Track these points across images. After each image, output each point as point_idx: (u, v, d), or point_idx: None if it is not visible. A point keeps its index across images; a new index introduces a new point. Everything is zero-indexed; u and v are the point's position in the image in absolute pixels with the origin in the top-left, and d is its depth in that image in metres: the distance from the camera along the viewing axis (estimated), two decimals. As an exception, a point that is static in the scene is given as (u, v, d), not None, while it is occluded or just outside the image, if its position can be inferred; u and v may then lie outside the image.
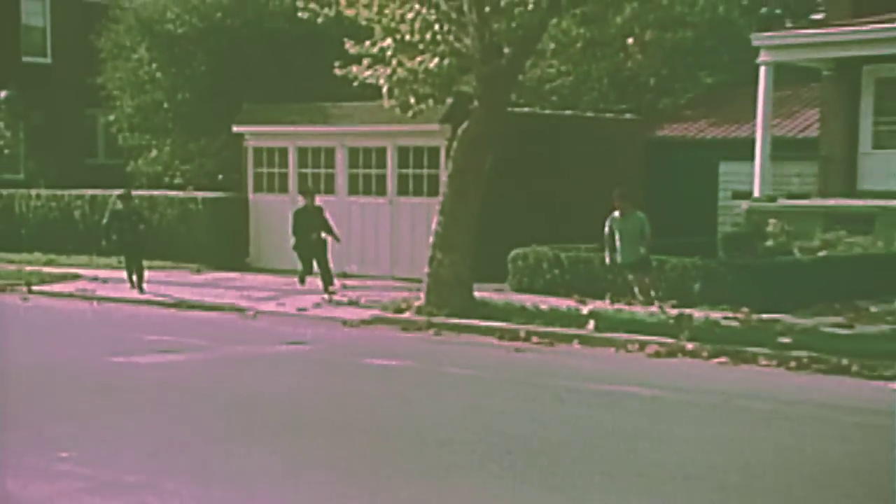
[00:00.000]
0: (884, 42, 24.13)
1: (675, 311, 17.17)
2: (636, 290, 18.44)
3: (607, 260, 18.52)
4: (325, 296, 20.39)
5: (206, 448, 10.08)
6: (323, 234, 20.88)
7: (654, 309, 17.63)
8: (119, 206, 22.57)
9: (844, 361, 13.97)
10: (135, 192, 24.36)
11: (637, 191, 26.72)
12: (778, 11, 34.87)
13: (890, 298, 18.44)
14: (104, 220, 22.52)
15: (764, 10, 34.25)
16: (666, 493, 8.69)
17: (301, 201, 21.65)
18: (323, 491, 8.69)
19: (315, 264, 20.94)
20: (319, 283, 20.69)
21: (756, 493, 8.71)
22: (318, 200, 21.48)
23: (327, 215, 21.26)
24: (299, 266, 21.22)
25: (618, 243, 18.25)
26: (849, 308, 17.60)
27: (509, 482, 9.02)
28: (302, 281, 21.11)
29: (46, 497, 8.42)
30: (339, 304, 19.76)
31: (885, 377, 13.38)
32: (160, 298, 20.62)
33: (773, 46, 25.52)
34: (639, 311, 17.69)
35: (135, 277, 21.63)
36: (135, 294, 21.07)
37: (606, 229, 18.36)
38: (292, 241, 21.28)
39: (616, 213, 18.34)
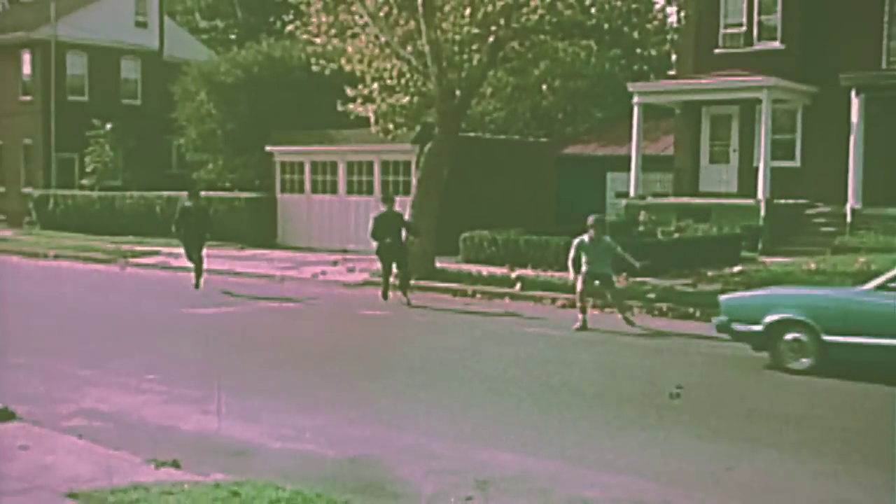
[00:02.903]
0: (715, 91, 24.65)
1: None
2: (608, 296, 13.82)
3: (571, 278, 13.44)
4: (402, 297, 15.43)
5: (249, 373, 10.03)
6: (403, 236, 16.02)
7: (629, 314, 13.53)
8: (188, 203, 18.23)
9: (691, 310, 14.08)
10: (202, 193, 20.75)
11: (550, 192, 26.83)
12: (645, 68, 35.22)
13: (721, 266, 18.57)
14: (176, 215, 18.09)
15: (636, 67, 34.50)
16: (562, 401, 8.76)
17: (382, 208, 16.37)
18: (330, 402, 8.69)
19: (395, 266, 15.80)
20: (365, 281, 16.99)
21: (622, 397, 8.78)
22: (328, 199, 20.99)
23: (406, 219, 16.70)
24: (314, 244, 20.14)
25: (584, 264, 13.26)
26: (694, 273, 17.68)
27: (456, 397, 9.04)
28: (385, 294, 15.71)
29: (134, 406, 8.38)
30: (351, 271, 19.30)
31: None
32: (216, 268, 20.33)
33: (642, 92, 25.61)
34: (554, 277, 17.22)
35: (193, 275, 17.36)
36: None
37: (572, 252, 13.41)
38: (374, 243, 16.05)
39: (585, 237, 13.31)
